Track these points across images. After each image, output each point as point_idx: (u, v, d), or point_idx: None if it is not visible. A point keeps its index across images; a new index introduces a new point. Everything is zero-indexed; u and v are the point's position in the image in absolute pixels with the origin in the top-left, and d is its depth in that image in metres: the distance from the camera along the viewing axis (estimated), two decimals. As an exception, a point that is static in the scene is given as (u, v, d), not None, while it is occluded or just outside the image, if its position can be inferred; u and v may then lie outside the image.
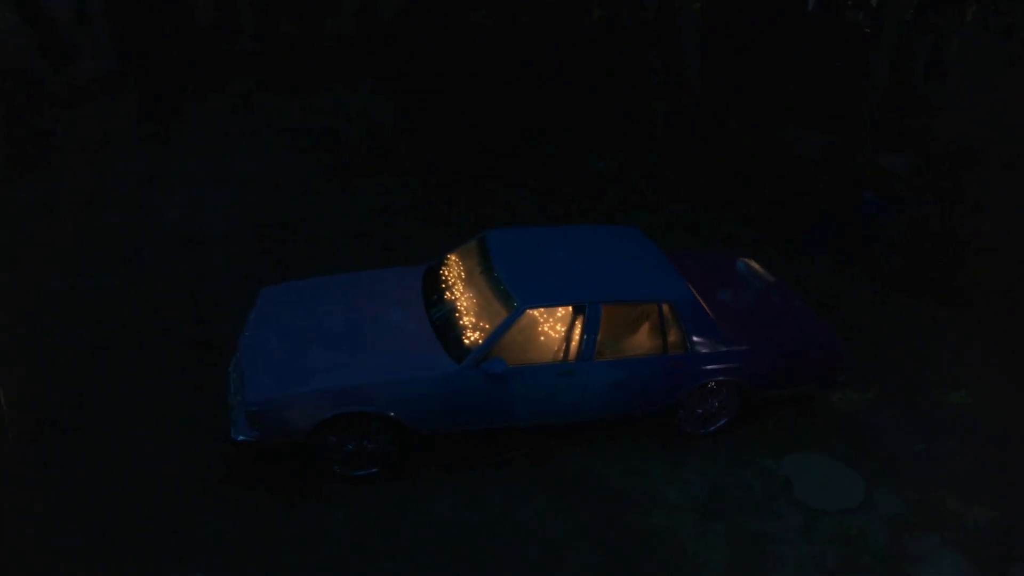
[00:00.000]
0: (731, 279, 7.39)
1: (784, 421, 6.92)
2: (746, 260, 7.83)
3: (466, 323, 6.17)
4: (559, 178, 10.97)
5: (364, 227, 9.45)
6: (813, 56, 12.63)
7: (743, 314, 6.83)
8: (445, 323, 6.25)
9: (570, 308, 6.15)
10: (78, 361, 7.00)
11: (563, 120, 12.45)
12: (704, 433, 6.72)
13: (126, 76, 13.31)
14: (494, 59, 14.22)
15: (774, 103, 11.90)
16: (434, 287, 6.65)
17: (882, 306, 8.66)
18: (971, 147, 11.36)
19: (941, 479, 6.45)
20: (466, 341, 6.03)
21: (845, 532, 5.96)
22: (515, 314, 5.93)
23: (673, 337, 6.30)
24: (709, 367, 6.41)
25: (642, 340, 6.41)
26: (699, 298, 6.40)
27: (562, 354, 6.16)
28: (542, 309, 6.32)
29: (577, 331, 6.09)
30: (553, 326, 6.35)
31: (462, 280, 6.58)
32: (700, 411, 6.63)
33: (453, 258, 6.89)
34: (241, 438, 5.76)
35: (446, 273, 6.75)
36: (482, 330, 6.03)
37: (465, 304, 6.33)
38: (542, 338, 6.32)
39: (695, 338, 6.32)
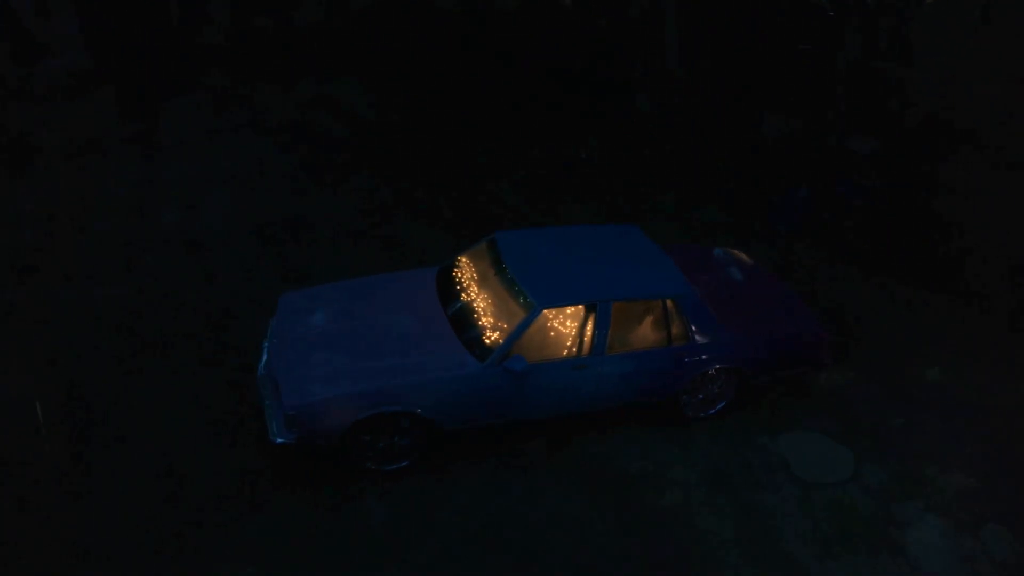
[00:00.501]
0: (717, 270, 7.87)
1: (777, 402, 7.48)
2: (725, 248, 8.35)
3: (485, 324, 6.56)
4: (545, 168, 11.34)
5: (361, 225, 9.73)
6: (782, 41, 13.02)
7: (736, 304, 7.33)
8: (465, 324, 6.63)
9: (582, 307, 6.58)
10: (105, 371, 7.22)
11: (546, 110, 12.79)
12: (705, 416, 7.25)
13: (100, 73, 13.21)
14: (463, 47, 14.43)
15: (749, 89, 12.32)
16: (450, 289, 7.01)
17: (847, 283, 9.26)
18: (938, 120, 11.93)
19: (920, 450, 7.08)
20: (487, 341, 6.43)
21: (838, 503, 6.56)
22: (533, 314, 6.35)
23: (676, 330, 6.80)
24: (709, 356, 6.93)
25: (648, 333, 6.88)
26: (699, 293, 6.88)
27: (576, 349, 6.61)
28: (556, 308, 6.73)
29: (589, 327, 6.54)
30: (567, 324, 6.77)
31: (476, 282, 6.96)
32: (701, 396, 7.16)
33: (465, 260, 7.25)
34: (280, 440, 6.10)
35: (460, 275, 7.12)
36: (501, 330, 6.43)
37: (482, 305, 6.72)
38: (557, 335, 6.74)
39: (696, 330, 6.82)
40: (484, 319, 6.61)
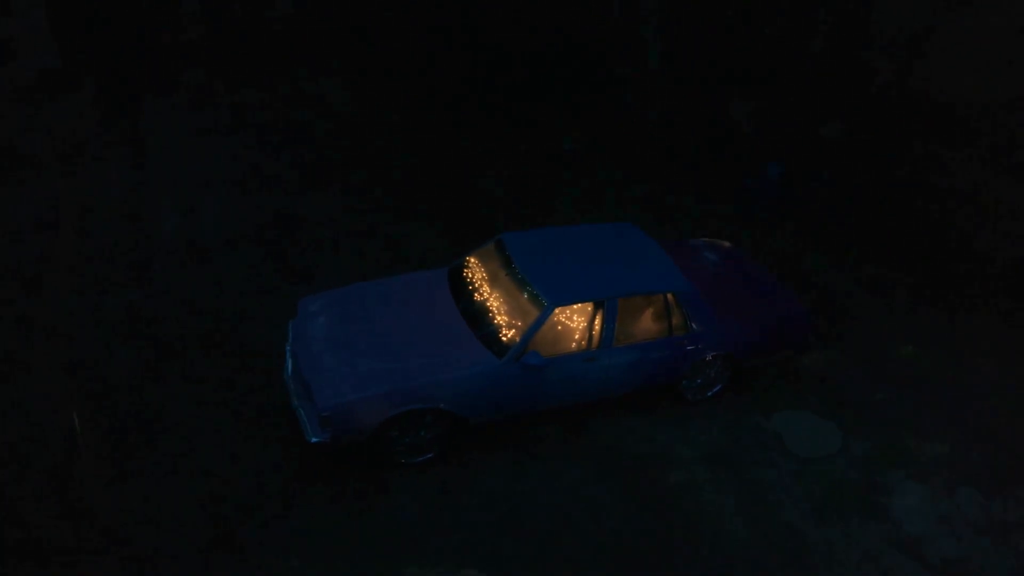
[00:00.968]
0: (701, 259, 8.39)
1: (769, 385, 8.06)
2: (706, 239, 8.88)
3: (500, 322, 6.99)
4: (530, 161, 11.71)
5: (360, 225, 10.02)
6: (754, 23, 13.37)
7: (723, 291, 7.86)
8: (481, 323, 7.05)
9: (591, 303, 7.04)
10: (133, 380, 7.46)
11: (529, 101, 13.09)
12: (703, 399, 7.80)
13: (73, 72, 13.13)
14: (445, 37, 14.59)
15: (722, 74, 12.72)
16: (463, 289, 7.41)
17: (825, 267, 9.90)
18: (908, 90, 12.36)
19: (900, 422, 7.74)
20: (504, 339, 6.86)
21: (829, 475, 7.17)
22: (546, 312, 6.79)
23: (677, 321, 7.31)
24: (707, 343, 7.46)
25: (651, 325, 7.37)
26: (696, 287, 7.40)
27: (586, 343, 7.08)
28: (567, 306, 7.17)
29: (598, 322, 7.01)
30: (576, 319, 7.22)
31: (488, 281, 7.37)
32: (700, 381, 7.70)
33: (474, 260, 7.65)
34: (315, 439, 6.46)
35: (470, 275, 7.51)
36: (517, 328, 6.86)
37: (496, 304, 7.14)
38: (568, 330, 7.19)
39: (695, 321, 7.34)
40: (499, 318, 7.03)
